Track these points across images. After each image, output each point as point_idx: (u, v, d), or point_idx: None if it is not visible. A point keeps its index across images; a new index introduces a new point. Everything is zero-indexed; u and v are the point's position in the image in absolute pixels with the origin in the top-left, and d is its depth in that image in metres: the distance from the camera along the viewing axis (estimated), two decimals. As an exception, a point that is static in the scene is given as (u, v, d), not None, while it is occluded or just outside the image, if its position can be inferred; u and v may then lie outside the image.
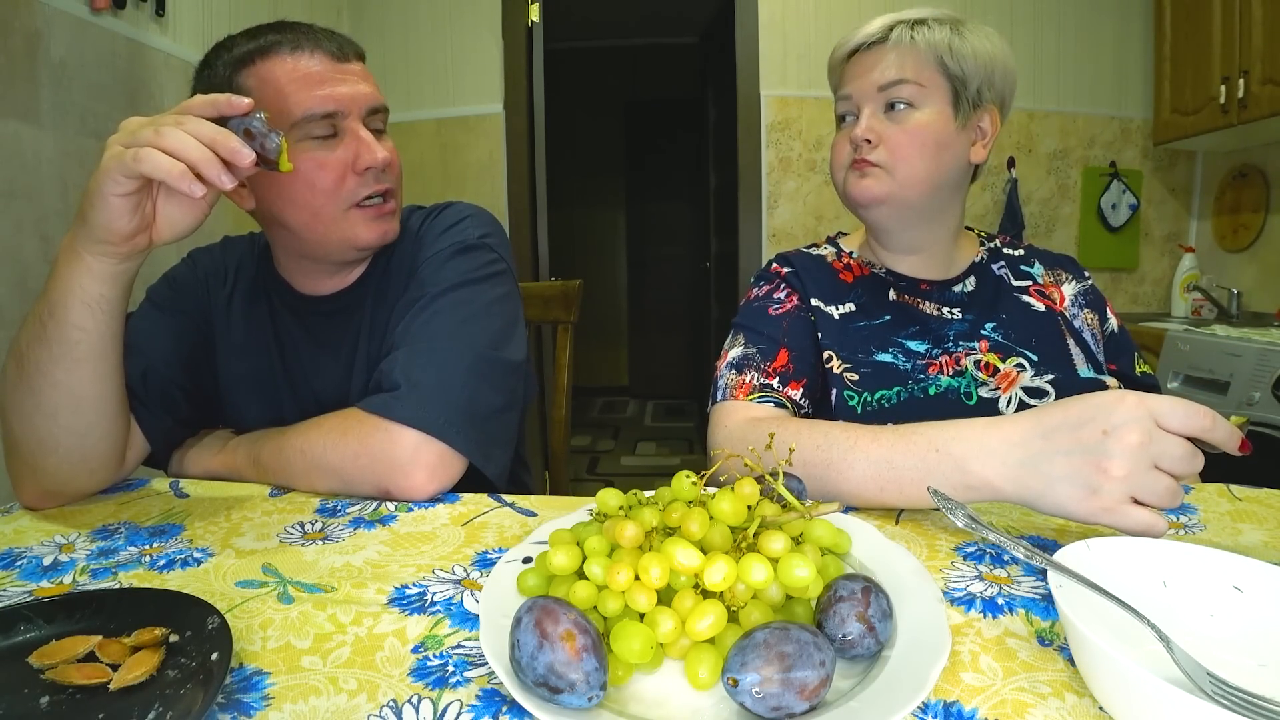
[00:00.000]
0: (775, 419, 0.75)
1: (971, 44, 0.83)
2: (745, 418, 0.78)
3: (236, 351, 0.88)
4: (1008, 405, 0.81)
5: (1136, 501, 0.50)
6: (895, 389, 0.81)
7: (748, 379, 0.83)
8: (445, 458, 0.71)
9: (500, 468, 0.77)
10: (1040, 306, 0.89)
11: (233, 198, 0.80)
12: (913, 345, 0.85)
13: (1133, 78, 2.66)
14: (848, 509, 0.64)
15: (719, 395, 0.84)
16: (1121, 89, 2.67)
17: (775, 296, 0.90)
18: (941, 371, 0.83)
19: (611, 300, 5.27)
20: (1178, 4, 2.37)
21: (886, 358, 0.84)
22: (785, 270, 0.93)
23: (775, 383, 0.82)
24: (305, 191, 0.76)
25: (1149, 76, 2.58)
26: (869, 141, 0.83)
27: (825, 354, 0.85)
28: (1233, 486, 0.69)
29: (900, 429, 0.63)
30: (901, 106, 0.82)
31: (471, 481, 0.74)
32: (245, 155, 0.58)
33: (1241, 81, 2.09)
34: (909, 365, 0.83)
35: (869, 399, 0.81)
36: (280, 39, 0.75)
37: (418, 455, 0.69)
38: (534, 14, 2.56)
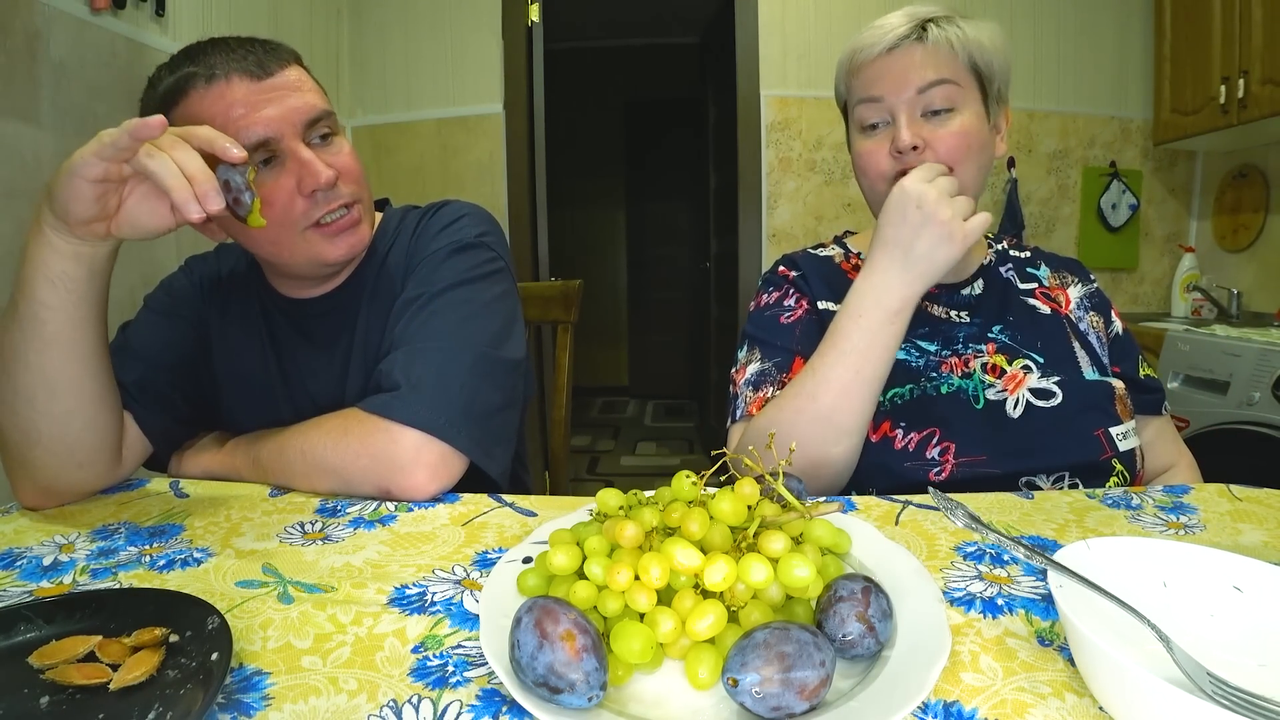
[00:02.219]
0: (760, 413, 0.78)
1: (992, 39, 0.80)
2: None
3: (232, 355, 0.88)
4: (1015, 407, 0.80)
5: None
6: (908, 386, 0.81)
7: (763, 394, 0.83)
8: (446, 457, 0.71)
9: (502, 466, 0.77)
10: (1046, 309, 0.88)
11: (202, 231, 0.79)
12: (924, 345, 0.85)
13: (1133, 78, 2.66)
14: (848, 507, 0.64)
15: (737, 413, 0.85)
16: (1121, 89, 2.67)
17: (785, 304, 0.90)
18: (951, 371, 0.83)
19: (611, 300, 5.26)
20: (1178, 4, 2.37)
21: (900, 354, 0.83)
22: (793, 274, 0.92)
23: None
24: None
25: (1149, 76, 2.58)
26: (915, 148, 0.78)
27: None
28: (1233, 486, 0.69)
29: (824, 339, 0.75)
30: (941, 110, 0.78)
31: (472, 481, 0.74)
32: (214, 202, 0.58)
33: (1241, 81, 2.08)
34: (921, 362, 0.83)
35: (881, 398, 0.81)
36: (195, 70, 0.72)
37: (419, 455, 0.69)
38: (534, 14, 2.56)
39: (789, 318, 0.88)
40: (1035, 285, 0.91)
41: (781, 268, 0.94)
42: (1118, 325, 0.91)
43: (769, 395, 0.82)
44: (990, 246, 0.95)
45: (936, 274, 0.72)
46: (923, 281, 0.72)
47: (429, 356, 0.75)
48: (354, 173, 0.79)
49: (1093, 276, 0.94)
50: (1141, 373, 0.89)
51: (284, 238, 0.76)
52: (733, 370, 0.90)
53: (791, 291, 0.90)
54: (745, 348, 0.90)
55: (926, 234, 0.70)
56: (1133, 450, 0.80)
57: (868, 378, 0.72)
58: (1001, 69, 0.82)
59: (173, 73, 0.73)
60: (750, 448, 0.60)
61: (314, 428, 0.74)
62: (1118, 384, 0.84)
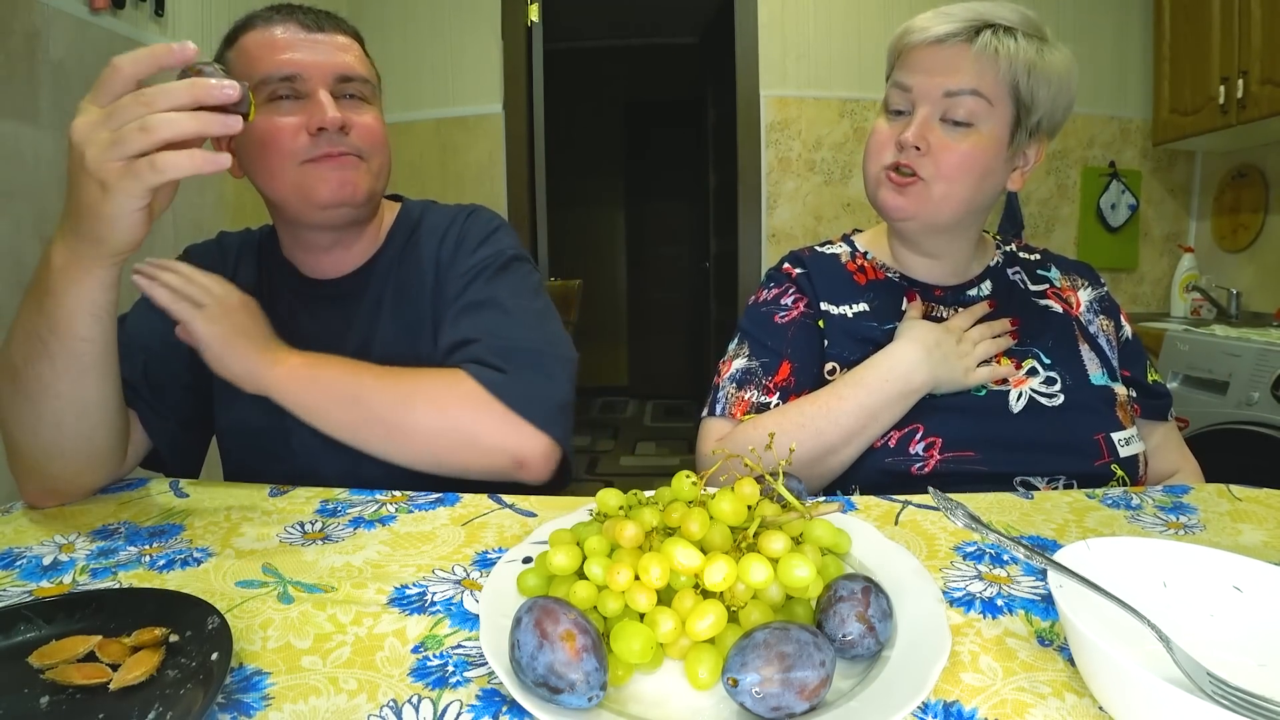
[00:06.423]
0: (749, 421, 0.81)
1: (1054, 68, 0.77)
2: (724, 433, 0.83)
3: None
4: (1017, 400, 0.80)
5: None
6: None
7: (747, 396, 0.83)
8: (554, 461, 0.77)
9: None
10: (1057, 308, 0.88)
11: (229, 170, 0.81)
12: None
13: (1132, 78, 2.66)
14: (848, 507, 0.64)
15: (717, 408, 0.85)
16: (1121, 89, 2.67)
17: (783, 302, 0.89)
18: None
19: (611, 300, 5.26)
20: (1177, 4, 2.37)
21: None
22: (796, 272, 0.91)
23: (775, 400, 0.83)
24: (262, 152, 0.76)
25: (1148, 76, 2.58)
26: (918, 149, 0.77)
27: (829, 365, 0.84)
28: (1233, 486, 0.69)
29: (845, 383, 0.78)
30: (961, 121, 0.76)
31: (473, 482, 0.74)
32: (228, 89, 0.53)
33: (1241, 81, 2.08)
34: None
35: None
36: (257, 15, 0.78)
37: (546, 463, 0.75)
38: (534, 14, 2.56)
39: (784, 317, 0.88)
40: (1047, 286, 0.91)
41: (786, 265, 0.93)
42: (1127, 330, 0.91)
43: (753, 399, 0.83)
44: (998, 248, 0.94)
45: (944, 386, 0.79)
46: (936, 384, 0.78)
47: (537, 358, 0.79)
48: (374, 135, 0.80)
49: (1103, 280, 0.94)
50: (1150, 378, 0.89)
51: (280, 168, 0.77)
52: (721, 360, 0.90)
53: (791, 290, 0.90)
54: (737, 340, 0.90)
55: (952, 359, 0.78)
56: (1136, 456, 0.80)
57: (871, 434, 0.77)
58: (1046, 104, 0.77)
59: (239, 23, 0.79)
60: (750, 448, 0.60)
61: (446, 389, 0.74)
62: (1120, 390, 0.84)
